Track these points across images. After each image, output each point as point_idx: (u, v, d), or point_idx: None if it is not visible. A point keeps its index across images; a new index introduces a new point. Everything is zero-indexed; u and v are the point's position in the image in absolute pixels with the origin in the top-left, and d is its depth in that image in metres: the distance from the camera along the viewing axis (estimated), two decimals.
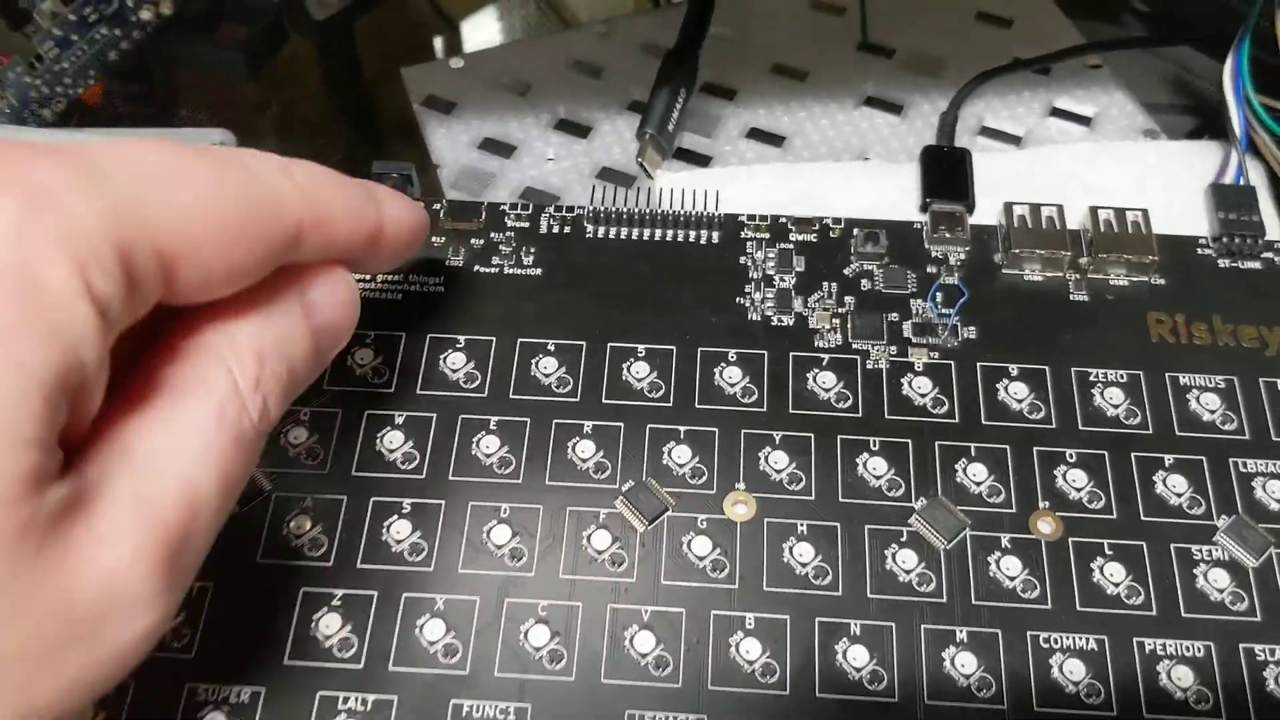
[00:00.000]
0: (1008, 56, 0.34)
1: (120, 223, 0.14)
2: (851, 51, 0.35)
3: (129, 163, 0.15)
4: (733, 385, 0.26)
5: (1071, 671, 0.22)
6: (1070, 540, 0.24)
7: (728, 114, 0.33)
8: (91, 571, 0.14)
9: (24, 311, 0.13)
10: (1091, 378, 0.26)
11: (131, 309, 0.15)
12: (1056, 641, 0.23)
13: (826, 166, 0.31)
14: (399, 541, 0.24)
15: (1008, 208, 0.28)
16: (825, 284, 0.28)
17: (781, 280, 0.28)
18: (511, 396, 0.26)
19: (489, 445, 0.25)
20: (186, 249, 0.15)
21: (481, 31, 0.37)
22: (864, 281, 0.28)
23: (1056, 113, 0.33)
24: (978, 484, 0.25)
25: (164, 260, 0.15)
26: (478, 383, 0.26)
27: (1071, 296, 0.28)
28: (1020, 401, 0.26)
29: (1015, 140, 0.33)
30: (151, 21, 0.34)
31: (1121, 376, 0.26)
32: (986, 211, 0.29)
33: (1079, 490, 0.25)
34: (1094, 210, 0.28)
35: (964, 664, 0.22)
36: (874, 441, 0.25)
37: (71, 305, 0.13)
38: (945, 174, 0.29)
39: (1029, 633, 0.23)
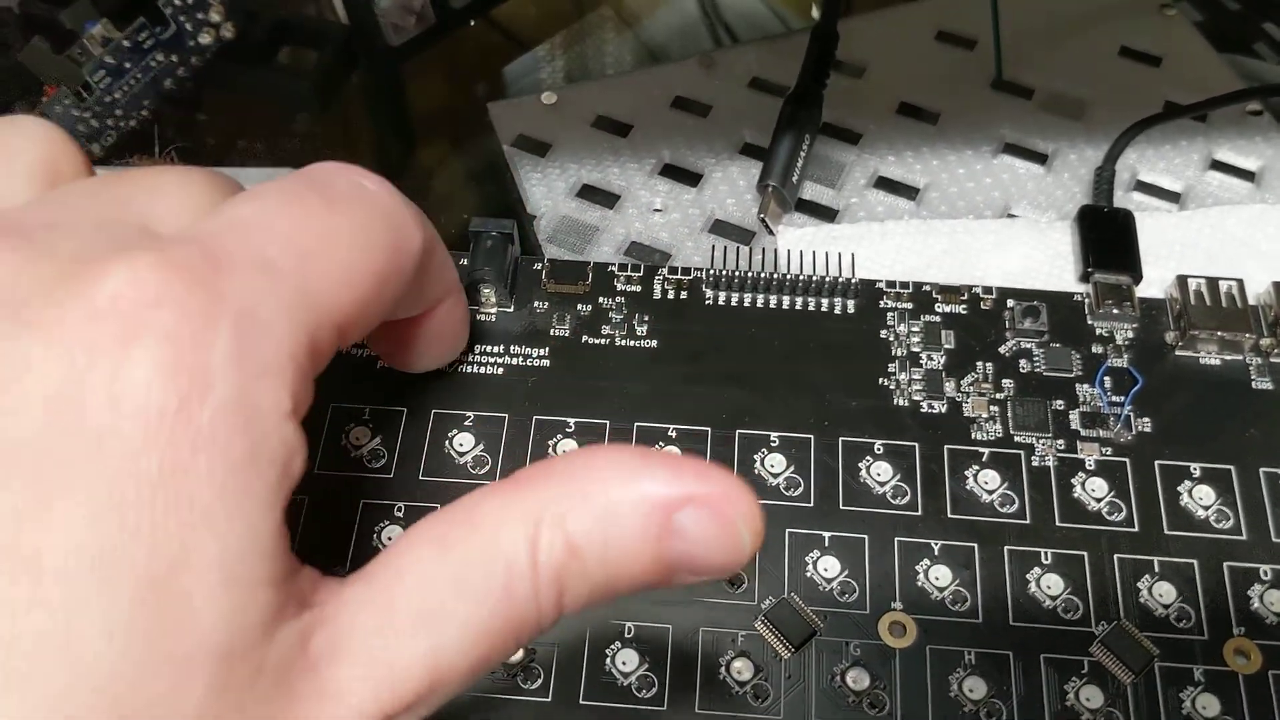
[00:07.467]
0: (1156, 97, 0.31)
1: (308, 320, 0.14)
2: (985, 90, 0.31)
3: (288, 242, 0.14)
4: (882, 483, 0.23)
5: None
6: (1270, 674, 0.21)
7: (853, 160, 0.30)
8: None
9: (250, 446, 0.12)
10: None
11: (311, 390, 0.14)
12: None
13: (969, 225, 0.27)
14: (507, 674, 0.21)
15: (1182, 281, 0.25)
16: (979, 364, 0.25)
17: (929, 359, 0.25)
18: None
19: None
20: (355, 314, 0.15)
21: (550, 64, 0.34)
22: (1023, 362, 0.25)
23: (1217, 165, 0.30)
24: (1165, 606, 0.22)
25: (341, 332, 0.15)
26: None
27: (1254, 384, 0.25)
28: (1206, 508, 0.23)
29: (1174, 197, 0.29)
30: (211, 46, 0.30)
31: None
32: (1150, 281, 0.26)
33: (1276, 614, 0.22)
34: (1278, 286, 0.25)
35: None
36: (1045, 554, 0.22)
37: (282, 427, 0.13)
38: (1108, 240, 0.26)
39: None
